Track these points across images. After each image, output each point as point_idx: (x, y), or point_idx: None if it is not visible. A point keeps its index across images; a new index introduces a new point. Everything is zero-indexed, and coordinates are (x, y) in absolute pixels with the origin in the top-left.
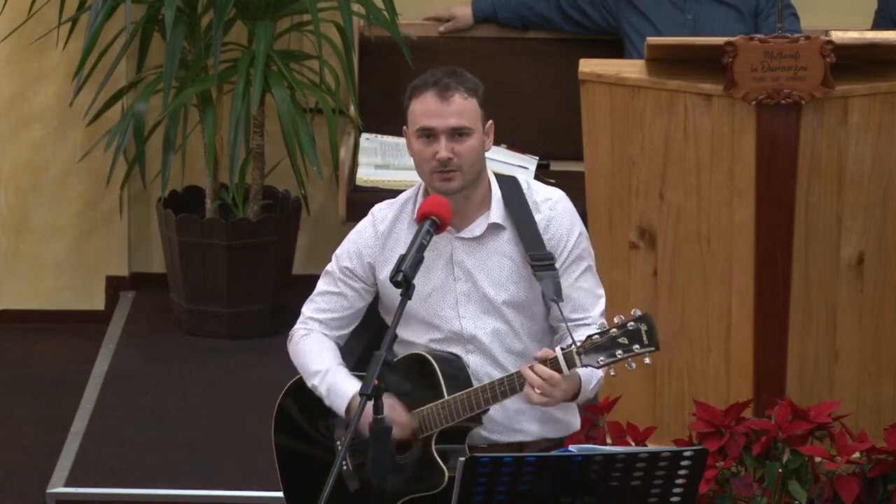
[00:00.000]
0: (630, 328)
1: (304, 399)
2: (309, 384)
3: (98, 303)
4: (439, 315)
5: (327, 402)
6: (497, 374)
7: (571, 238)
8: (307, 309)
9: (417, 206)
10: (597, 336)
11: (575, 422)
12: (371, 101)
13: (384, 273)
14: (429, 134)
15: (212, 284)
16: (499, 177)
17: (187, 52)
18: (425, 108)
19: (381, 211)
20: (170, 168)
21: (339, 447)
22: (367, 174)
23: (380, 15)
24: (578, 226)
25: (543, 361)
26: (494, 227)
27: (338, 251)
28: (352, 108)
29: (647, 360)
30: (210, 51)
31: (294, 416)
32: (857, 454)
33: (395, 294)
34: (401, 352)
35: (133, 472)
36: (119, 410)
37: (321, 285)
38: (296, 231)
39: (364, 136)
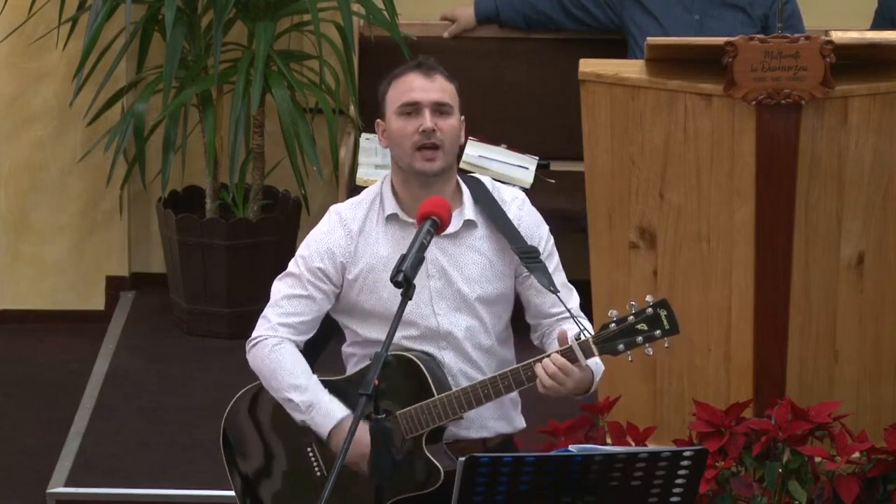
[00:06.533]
0: (648, 314)
1: (260, 408)
2: (281, 396)
3: (98, 303)
4: (415, 312)
5: (303, 418)
6: (470, 371)
7: (543, 235)
8: (272, 314)
9: (385, 203)
10: (612, 325)
11: (520, 419)
12: (371, 101)
13: (354, 272)
14: (411, 110)
15: (212, 284)
16: (463, 176)
17: (187, 52)
18: (408, 86)
19: (349, 211)
20: (170, 168)
21: (311, 453)
22: (366, 174)
23: (380, 15)
24: (545, 223)
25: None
26: (468, 224)
27: (303, 253)
28: (352, 108)
29: (666, 345)
30: (210, 51)
31: (248, 422)
32: (857, 454)
33: (361, 294)
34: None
35: (133, 472)
36: (119, 410)
37: (284, 289)
38: (296, 231)
39: (364, 136)
